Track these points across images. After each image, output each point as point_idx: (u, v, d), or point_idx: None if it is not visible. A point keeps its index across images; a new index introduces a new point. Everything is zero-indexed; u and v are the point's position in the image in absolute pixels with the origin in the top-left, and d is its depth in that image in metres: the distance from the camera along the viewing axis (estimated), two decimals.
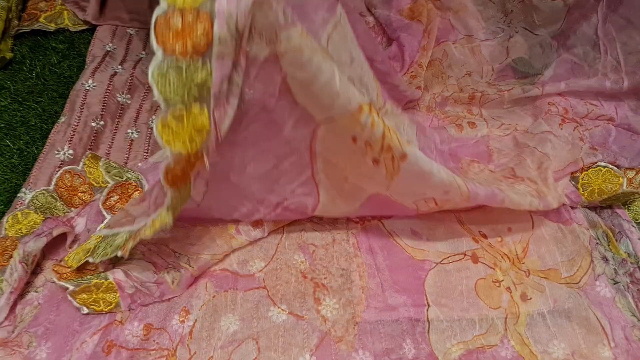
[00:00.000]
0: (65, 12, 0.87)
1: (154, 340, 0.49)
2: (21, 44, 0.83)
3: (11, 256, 0.51)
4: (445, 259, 0.56)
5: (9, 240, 0.53)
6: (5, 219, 0.55)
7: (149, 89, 0.74)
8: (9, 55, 0.79)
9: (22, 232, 0.54)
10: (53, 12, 0.87)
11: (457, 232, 0.58)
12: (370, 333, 0.51)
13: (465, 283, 0.54)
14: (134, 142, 0.67)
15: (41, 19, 0.85)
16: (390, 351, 0.49)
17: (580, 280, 0.55)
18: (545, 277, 0.55)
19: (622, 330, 0.51)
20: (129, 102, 0.72)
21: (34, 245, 0.51)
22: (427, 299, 0.53)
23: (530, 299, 0.53)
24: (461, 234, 0.58)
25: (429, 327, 0.51)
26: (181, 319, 0.51)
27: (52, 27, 0.85)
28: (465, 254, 0.57)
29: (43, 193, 0.58)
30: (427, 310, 0.52)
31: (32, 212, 0.56)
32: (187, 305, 0.51)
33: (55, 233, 0.53)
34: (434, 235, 0.58)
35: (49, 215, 0.56)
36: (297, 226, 0.59)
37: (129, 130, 0.68)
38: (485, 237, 0.58)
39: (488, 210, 0.60)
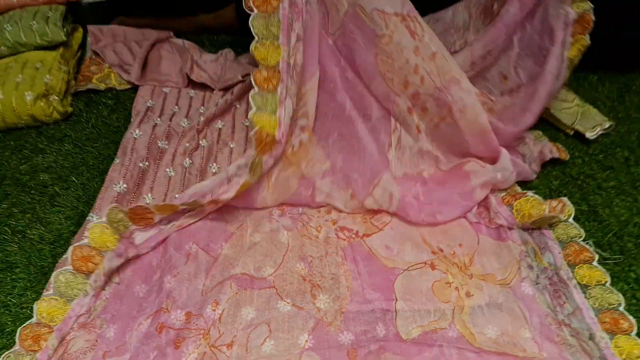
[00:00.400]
0: (112, 74, 1.07)
1: (193, 323, 0.67)
2: (78, 100, 1.03)
3: (91, 262, 0.69)
4: (410, 267, 0.74)
5: (94, 250, 0.71)
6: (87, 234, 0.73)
7: (182, 136, 0.93)
8: (69, 109, 1.00)
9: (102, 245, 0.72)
10: (102, 74, 1.08)
11: (420, 247, 0.77)
12: (352, 319, 0.68)
13: (425, 284, 0.72)
14: (171, 179, 0.86)
15: (93, 80, 1.06)
16: (367, 332, 0.67)
17: (510, 282, 0.72)
18: (484, 280, 0.73)
19: (538, 318, 0.68)
20: (167, 147, 0.91)
21: (115, 263, 0.70)
22: (395, 296, 0.70)
23: (473, 295, 0.71)
24: (423, 249, 0.76)
25: (396, 315, 0.68)
26: (213, 308, 0.68)
27: (102, 86, 1.06)
28: (425, 263, 0.75)
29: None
30: (395, 303, 0.70)
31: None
32: (217, 298, 0.69)
33: (130, 255, 0.72)
34: (402, 250, 0.76)
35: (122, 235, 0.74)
36: (298, 242, 0.77)
37: (167, 170, 0.87)
38: (441, 250, 0.76)
39: (446, 230, 0.79)
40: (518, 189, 0.85)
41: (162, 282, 0.71)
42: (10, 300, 0.69)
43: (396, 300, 0.70)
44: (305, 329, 0.67)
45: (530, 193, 0.80)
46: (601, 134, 0.94)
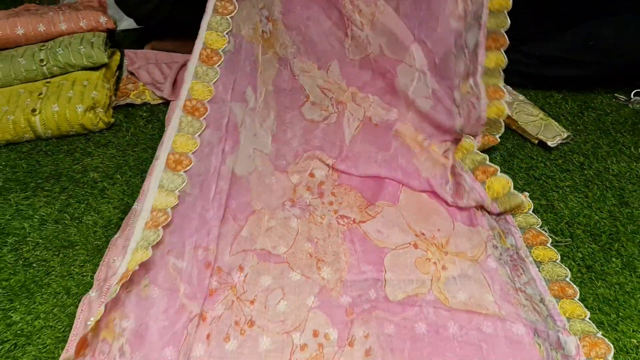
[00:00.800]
0: (147, 91, 1.25)
1: (223, 278, 0.84)
2: (118, 113, 1.21)
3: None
4: (398, 247, 0.91)
5: None
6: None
7: None
8: (112, 120, 1.17)
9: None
10: (138, 91, 1.25)
11: (406, 231, 0.93)
12: (350, 286, 0.84)
13: (409, 260, 0.88)
14: None
15: (131, 96, 1.24)
16: (361, 295, 0.83)
17: (478, 258, 0.89)
18: (457, 256, 0.89)
19: (499, 285, 0.84)
20: None
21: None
22: (385, 268, 0.87)
23: (447, 268, 0.87)
24: (408, 233, 0.93)
25: (385, 283, 0.85)
26: (238, 271, 0.85)
27: (138, 101, 1.23)
28: (409, 244, 0.91)
29: None
30: (385, 274, 0.86)
31: None
32: (242, 264, 0.86)
33: None
34: (391, 234, 0.93)
35: None
36: (306, 227, 0.94)
37: None
38: (423, 234, 0.93)
39: (427, 218, 0.96)
40: (489, 165, 1.01)
41: (211, 227, 0.89)
42: (73, 270, 0.86)
43: (385, 271, 0.86)
44: (312, 293, 0.83)
45: (499, 173, 0.98)
46: (561, 143, 1.12)
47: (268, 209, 0.96)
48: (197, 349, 0.75)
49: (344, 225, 0.95)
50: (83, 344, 0.72)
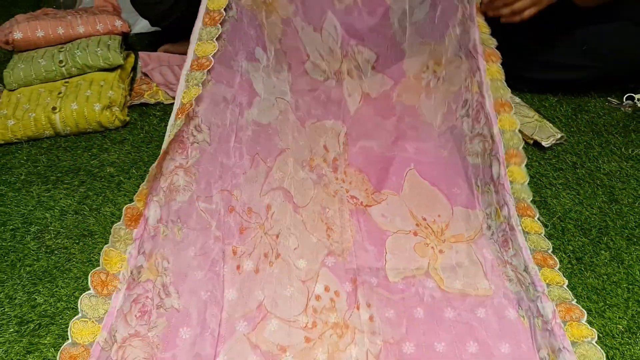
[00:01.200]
0: (160, 91, 1.31)
1: (253, 218, 0.94)
2: (133, 112, 1.27)
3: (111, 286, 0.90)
4: (398, 231, 0.96)
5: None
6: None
7: None
8: (127, 118, 1.23)
9: None
10: (152, 91, 1.31)
11: (407, 219, 0.99)
12: (353, 260, 0.90)
13: (408, 245, 0.94)
14: None
15: (145, 96, 1.30)
16: (363, 271, 0.89)
17: (473, 239, 0.95)
18: (454, 242, 0.95)
19: (490, 263, 0.91)
20: None
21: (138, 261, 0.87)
22: (386, 250, 0.93)
23: (444, 252, 0.93)
24: (410, 220, 0.99)
25: (385, 263, 0.90)
26: (266, 210, 0.96)
27: (152, 101, 1.29)
28: (410, 231, 0.97)
29: None
30: (385, 255, 0.92)
31: None
32: (270, 203, 0.97)
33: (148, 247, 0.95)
34: (394, 219, 0.98)
35: None
36: (321, 194, 1.02)
37: None
38: (425, 219, 0.98)
39: (428, 205, 1.01)
40: (508, 99, 1.05)
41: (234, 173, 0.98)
42: (92, 257, 0.92)
43: (386, 252, 0.93)
44: (322, 253, 0.91)
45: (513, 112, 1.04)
46: (555, 143, 1.17)
47: (292, 154, 1.05)
48: (230, 280, 0.85)
49: (352, 204, 1.01)
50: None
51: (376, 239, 0.95)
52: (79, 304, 0.76)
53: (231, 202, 0.95)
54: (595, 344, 0.75)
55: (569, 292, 0.83)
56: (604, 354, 0.74)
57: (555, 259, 0.88)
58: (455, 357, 0.78)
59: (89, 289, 0.85)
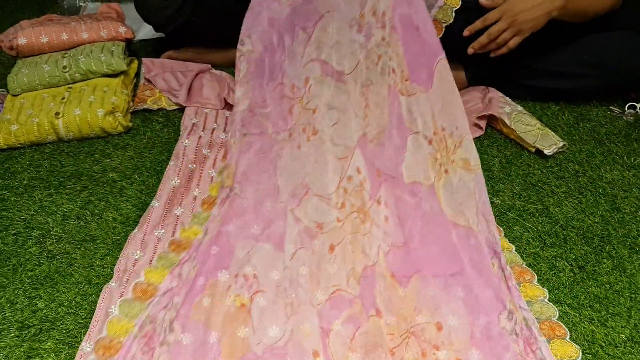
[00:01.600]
0: (163, 97, 1.31)
1: (295, 94, 1.00)
2: (136, 117, 1.27)
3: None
4: (418, 132, 0.97)
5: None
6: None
7: (221, 146, 1.16)
8: (130, 124, 1.23)
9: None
10: (155, 97, 1.31)
11: (429, 121, 0.97)
12: (382, 151, 0.95)
13: (422, 152, 0.96)
14: (213, 178, 1.09)
15: (148, 102, 1.30)
16: (387, 165, 0.94)
17: (477, 170, 0.95)
18: (461, 167, 0.96)
19: (484, 198, 0.94)
20: (209, 154, 1.14)
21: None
22: (406, 147, 0.96)
23: (449, 173, 0.95)
24: (430, 123, 0.97)
25: (403, 161, 0.96)
26: (305, 85, 0.99)
27: (155, 107, 1.29)
28: (427, 137, 0.97)
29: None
30: (405, 153, 0.96)
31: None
32: (308, 76, 0.99)
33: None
34: (417, 118, 0.98)
35: None
36: (363, 70, 1.00)
37: (210, 171, 1.10)
38: (443, 129, 0.97)
39: (452, 111, 0.97)
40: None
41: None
42: (94, 262, 0.91)
43: (405, 151, 0.96)
44: (357, 133, 0.95)
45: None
46: (557, 152, 1.17)
47: (334, 18, 0.99)
48: (282, 159, 0.95)
49: (391, 80, 0.99)
50: None
51: (400, 130, 0.97)
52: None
53: (283, 92, 0.99)
54: (548, 302, 0.84)
55: (518, 255, 0.92)
56: (557, 310, 0.83)
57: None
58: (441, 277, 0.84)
59: (91, 295, 0.85)
